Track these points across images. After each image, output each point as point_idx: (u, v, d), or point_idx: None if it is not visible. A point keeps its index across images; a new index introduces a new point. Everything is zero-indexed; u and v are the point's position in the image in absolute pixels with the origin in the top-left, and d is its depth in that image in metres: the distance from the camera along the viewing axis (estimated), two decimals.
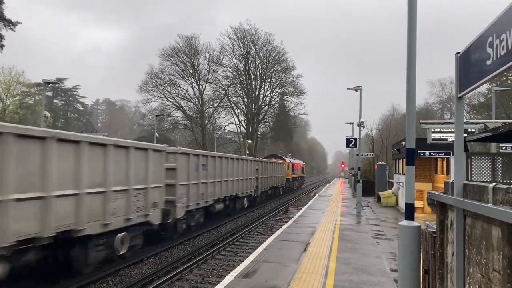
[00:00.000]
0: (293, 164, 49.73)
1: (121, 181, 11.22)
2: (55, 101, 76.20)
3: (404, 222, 5.05)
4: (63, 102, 78.97)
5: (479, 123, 13.82)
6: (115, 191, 10.86)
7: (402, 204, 21.52)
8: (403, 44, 5.23)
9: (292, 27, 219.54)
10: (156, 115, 45.85)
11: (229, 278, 8.64)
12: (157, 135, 39.94)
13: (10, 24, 36.88)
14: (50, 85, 32.27)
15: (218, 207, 20.16)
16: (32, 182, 8.25)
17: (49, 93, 69.66)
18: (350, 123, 38.50)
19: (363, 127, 30.93)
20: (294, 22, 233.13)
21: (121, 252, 11.46)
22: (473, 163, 8.94)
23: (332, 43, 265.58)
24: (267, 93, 63.58)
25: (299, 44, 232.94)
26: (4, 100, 47.48)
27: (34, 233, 8.25)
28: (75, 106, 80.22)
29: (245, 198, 25.99)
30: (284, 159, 45.91)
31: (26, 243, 8.15)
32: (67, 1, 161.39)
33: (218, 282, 8.77)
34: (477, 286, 3.53)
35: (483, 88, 42.32)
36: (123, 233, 11.42)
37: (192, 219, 16.80)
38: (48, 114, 41.57)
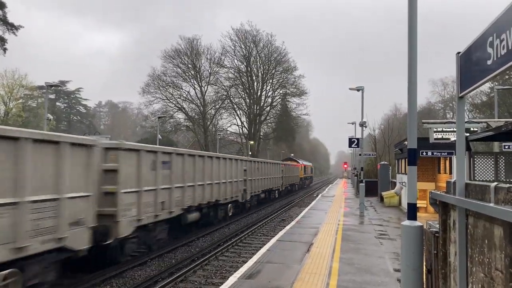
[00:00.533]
0: (304, 166, 59.54)
1: (229, 177, 21.24)
2: (57, 103, 76.32)
3: (407, 222, 5.04)
4: (65, 105, 79.09)
5: (481, 122, 13.79)
6: (229, 182, 21.27)
7: (405, 204, 21.40)
8: (404, 44, 5.25)
9: (292, 27, 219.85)
10: (159, 117, 45.86)
11: (232, 279, 8.65)
12: (160, 137, 40.00)
13: (13, 27, 37.10)
14: (52, 88, 32.32)
15: (263, 196, 30.70)
16: (211, 176, 18.33)
17: (52, 96, 69.80)
18: (353, 123, 38.38)
19: (365, 127, 30.82)
20: (294, 22, 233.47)
21: (230, 214, 21.65)
22: (475, 162, 8.94)
23: (332, 43, 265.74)
24: (269, 94, 63.61)
25: (299, 44, 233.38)
26: (7, 103, 47.72)
27: (208, 199, 18.05)
28: (78, 108, 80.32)
29: (276, 191, 36.29)
30: (298, 162, 54.74)
31: (207, 204, 17.82)
32: (69, 5, 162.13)
33: (222, 283, 8.78)
34: (480, 286, 3.53)
35: (486, 87, 42.18)
36: (230, 204, 21.62)
37: (254, 200, 27.73)
38: (51, 116, 41.74)
